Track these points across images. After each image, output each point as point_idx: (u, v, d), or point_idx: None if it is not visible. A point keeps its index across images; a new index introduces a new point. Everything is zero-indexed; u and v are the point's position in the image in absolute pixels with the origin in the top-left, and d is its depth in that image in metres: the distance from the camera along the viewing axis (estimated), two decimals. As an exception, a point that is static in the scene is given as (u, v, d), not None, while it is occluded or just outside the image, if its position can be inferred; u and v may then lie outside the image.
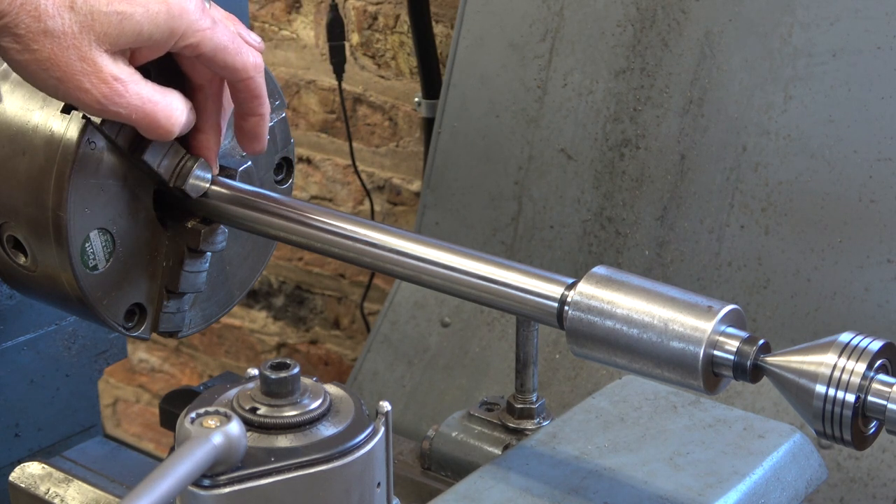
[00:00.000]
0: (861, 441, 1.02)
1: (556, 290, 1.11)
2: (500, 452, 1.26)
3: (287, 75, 2.75)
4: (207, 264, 1.31)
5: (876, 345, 1.01)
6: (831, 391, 1.00)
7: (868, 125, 1.82)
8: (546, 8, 2.09)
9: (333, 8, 2.50)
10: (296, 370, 0.96)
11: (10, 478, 1.37)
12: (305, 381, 0.97)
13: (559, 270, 1.16)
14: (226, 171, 1.29)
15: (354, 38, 2.62)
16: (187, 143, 1.24)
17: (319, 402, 0.96)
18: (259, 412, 0.95)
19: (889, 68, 1.81)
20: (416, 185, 2.62)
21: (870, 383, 1.00)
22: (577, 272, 1.87)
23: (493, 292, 1.15)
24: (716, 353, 1.04)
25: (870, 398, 1.00)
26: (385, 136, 2.66)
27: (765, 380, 1.04)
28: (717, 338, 1.04)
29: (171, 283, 1.28)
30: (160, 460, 0.95)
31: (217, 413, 0.91)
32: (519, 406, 1.29)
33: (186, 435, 0.90)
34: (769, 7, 1.90)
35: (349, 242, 1.21)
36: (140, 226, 1.26)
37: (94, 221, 1.22)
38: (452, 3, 2.42)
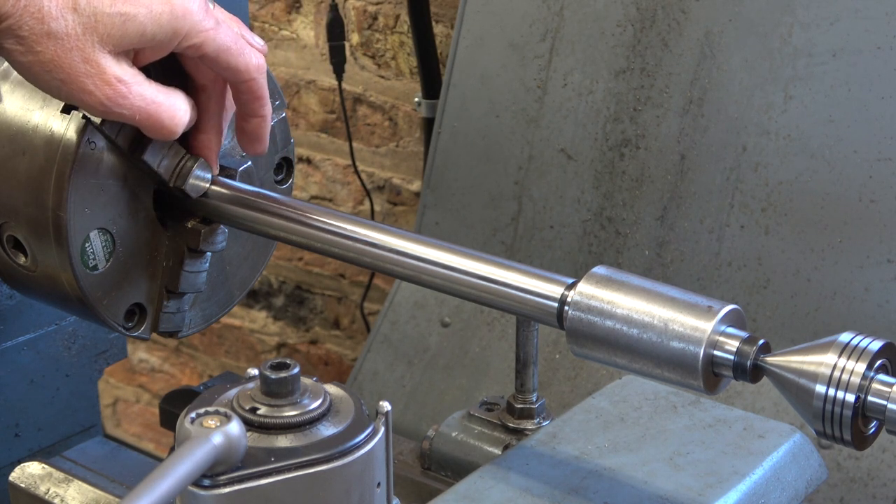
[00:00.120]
0: (861, 441, 1.02)
1: (556, 290, 1.11)
2: (500, 452, 1.26)
3: (287, 75, 2.75)
4: (207, 264, 1.31)
5: (876, 345, 1.01)
6: (831, 391, 1.00)
7: (868, 125, 1.82)
8: (546, 8, 2.09)
9: (333, 8, 2.50)
10: (296, 370, 0.96)
11: (10, 478, 1.37)
12: (305, 381, 0.97)
13: (559, 270, 1.16)
14: (226, 171, 1.29)
15: (354, 38, 2.62)
16: (188, 143, 1.24)
17: (319, 402, 0.96)
18: (259, 412, 0.95)
19: (889, 68, 1.81)
20: (416, 185, 2.62)
21: (870, 383, 1.00)
22: (577, 272, 1.87)
23: (493, 292, 1.15)
24: (716, 353, 1.04)
25: (870, 398, 1.00)
26: (385, 136, 2.66)
27: (765, 380, 1.04)
28: (717, 338, 1.04)
29: (171, 283, 1.28)
30: (160, 460, 0.95)
31: (217, 413, 0.91)
32: (519, 406, 1.29)
33: (186, 435, 0.90)
34: (769, 7, 1.90)
35: (349, 242, 1.21)
36: (140, 226, 1.26)
37: (94, 221, 1.22)
38: (452, 3, 2.42)
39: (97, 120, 1.18)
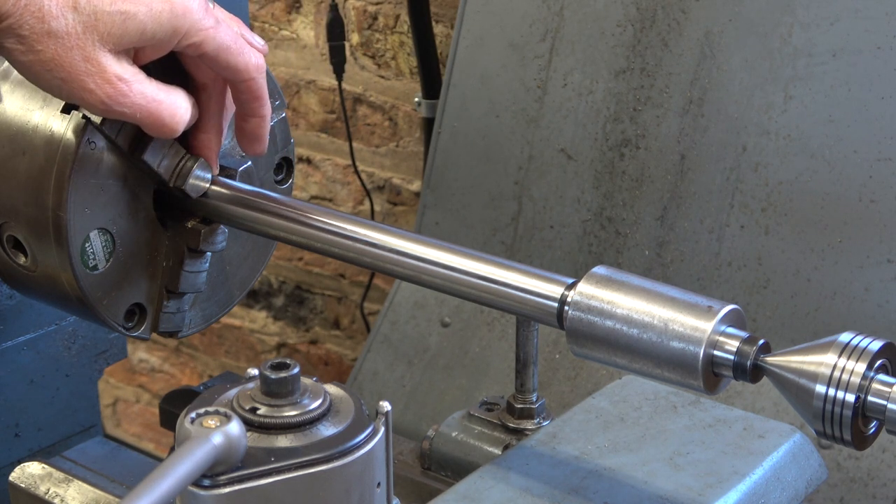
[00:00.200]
0: (861, 441, 1.02)
1: (556, 290, 1.11)
2: (500, 452, 1.26)
3: (287, 75, 2.75)
4: (207, 264, 1.31)
5: (876, 345, 1.01)
6: (831, 391, 1.00)
7: (868, 125, 1.82)
8: (546, 8, 2.09)
9: (333, 8, 2.50)
10: (296, 370, 0.96)
11: (10, 478, 1.37)
12: (305, 381, 0.97)
13: (559, 270, 1.16)
14: (226, 171, 1.29)
15: (354, 38, 2.62)
16: (188, 142, 1.24)
17: (319, 402, 0.96)
18: (259, 412, 0.95)
19: (889, 68, 1.81)
20: (416, 185, 2.62)
21: (870, 383, 1.00)
22: (577, 272, 1.87)
23: (493, 292, 1.15)
24: (716, 353, 1.04)
25: (870, 398, 1.00)
26: (385, 136, 2.66)
27: (765, 380, 1.04)
28: (717, 338, 1.04)
29: (171, 283, 1.28)
30: (160, 460, 0.95)
31: (217, 413, 0.91)
32: (519, 406, 1.29)
33: (186, 435, 0.90)
34: (769, 7, 1.90)
35: (349, 242, 1.21)
36: (140, 226, 1.26)
37: (94, 221, 1.22)
38: (452, 3, 2.42)
39: (97, 120, 1.18)
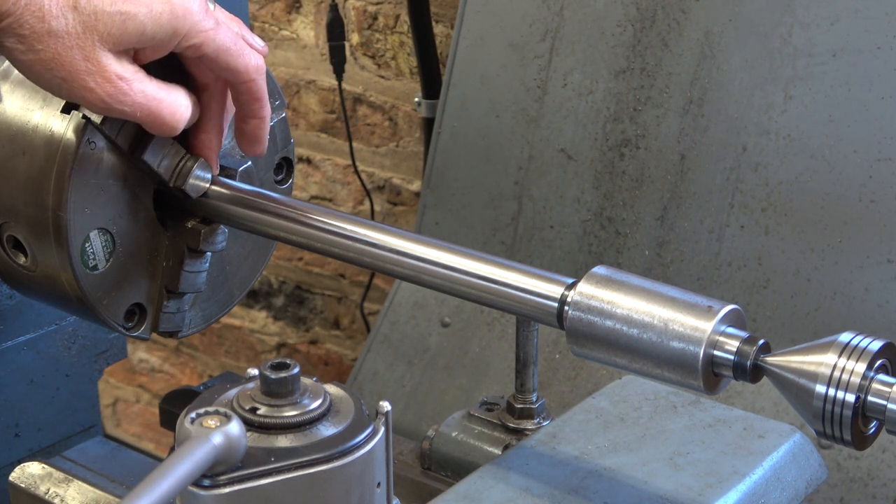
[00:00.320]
0: (861, 441, 1.02)
1: (556, 290, 1.11)
2: (500, 452, 1.26)
3: (287, 75, 2.75)
4: (207, 264, 1.31)
5: (876, 345, 1.01)
6: (831, 391, 1.00)
7: (868, 125, 1.82)
8: (546, 8, 2.09)
9: (333, 8, 2.50)
10: (296, 370, 0.96)
11: (10, 478, 1.37)
12: (305, 381, 0.97)
13: (559, 270, 1.16)
14: (226, 171, 1.29)
15: (354, 38, 2.62)
16: (188, 142, 1.24)
17: (319, 402, 0.96)
18: (259, 412, 0.95)
19: (889, 68, 1.81)
20: (416, 185, 2.62)
21: (870, 383, 1.00)
22: (577, 272, 1.87)
23: (493, 292, 1.15)
24: (716, 353, 1.04)
25: (870, 398, 1.00)
26: (385, 136, 2.66)
27: (765, 380, 1.04)
28: (717, 338, 1.04)
29: (171, 283, 1.28)
30: (160, 460, 0.95)
31: (217, 413, 0.91)
32: (519, 406, 1.29)
33: (186, 435, 0.90)
34: (769, 7, 1.89)
35: (349, 242, 1.21)
36: (140, 226, 1.26)
37: (94, 221, 1.22)
38: (452, 3, 2.42)
39: (97, 120, 1.18)
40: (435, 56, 2.43)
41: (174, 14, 1.11)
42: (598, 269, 1.10)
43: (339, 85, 2.55)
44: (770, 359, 1.03)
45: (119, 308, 1.26)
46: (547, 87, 2.09)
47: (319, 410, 0.96)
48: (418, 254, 1.18)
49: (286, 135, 1.36)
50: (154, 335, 1.31)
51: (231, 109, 1.25)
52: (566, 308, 1.09)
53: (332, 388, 0.99)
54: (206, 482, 0.90)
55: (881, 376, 1.00)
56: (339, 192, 2.77)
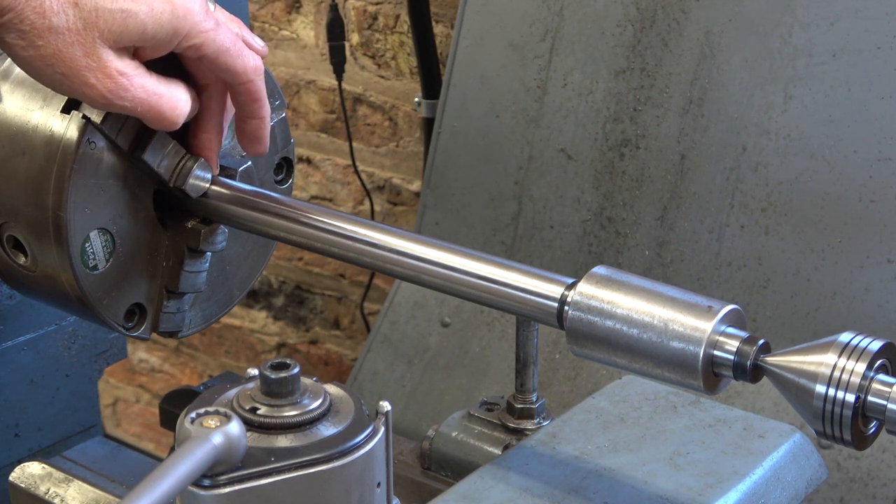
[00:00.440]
0: (861, 441, 1.02)
1: (556, 290, 1.11)
2: (500, 452, 1.26)
3: (287, 75, 2.75)
4: (207, 264, 1.31)
5: (876, 345, 1.01)
6: (831, 391, 1.00)
7: (868, 125, 1.82)
8: (546, 8, 2.09)
9: (333, 8, 2.50)
10: (296, 370, 0.96)
11: (10, 478, 1.37)
12: (305, 381, 0.97)
13: (559, 270, 1.16)
14: (226, 171, 1.29)
15: (354, 38, 2.62)
16: (188, 142, 1.24)
17: (319, 402, 0.96)
18: (259, 412, 0.95)
19: (889, 68, 1.81)
20: (416, 185, 2.62)
21: (870, 383, 1.00)
22: (577, 272, 1.87)
23: (493, 292, 1.15)
24: (716, 353, 1.04)
25: (870, 398, 1.00)
26: (385, 136, 2.66)
27: (765, 380, 1.04)
28: (717, 338, 1.04)
29: (171, 283, 1.28)
30: (160, 460, 0.95)
31: (217, 413, 0.91)
32: (519, 406, 1.29)
33: (186, 435, 0.90)
34: (769, 7, 1.89)
35: (349, 242, 1.21)
36: (140, 226, 1.26)
37: (94, 221, 1.22)
38: (452, 3, 2.42)
39: (97, 119, 1.18)
40: (435, 56, 2.43)
41: (175, 14, 1.11)
42: (598, 269, 1.10)
43: (339, 85, 2.55)
44: (770, 359, 1.03)
45: (119, 308, 1.26)
46: (547, 87, 2.09)
47: (319, 410, 0.96)
48: (418, 254, 1.18)
49: (286, 135, 1.36)
50: (154, 335, 1.31)
51: (231, 109, 1.25)
52: (566, 308, 1.09)
53: (332, 388, 0.99)
54: (206, 482, 0.90)
55: (881, 376, 1.00)
56: (339, 192, 2.77)
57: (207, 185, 1.26)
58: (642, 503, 1.12)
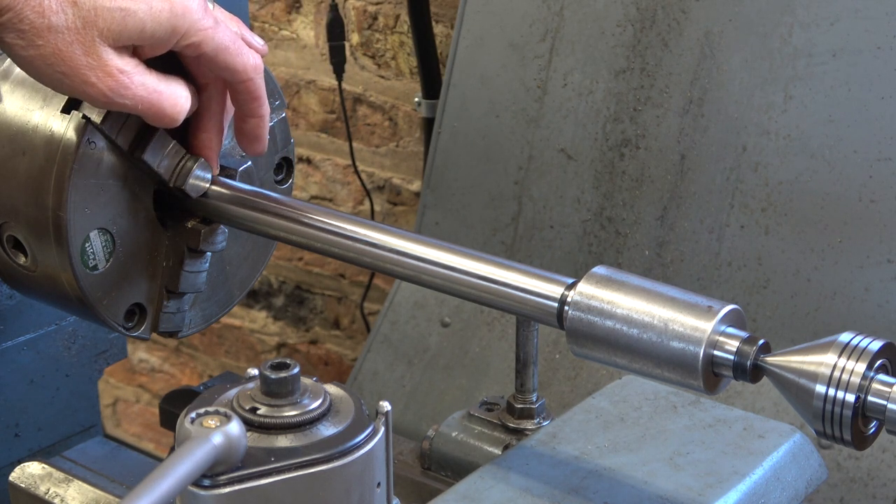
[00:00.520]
0: (861, 441, 1.02)
1: (556, 290, 1.11)
2: (500, 452, 1.26)
3: (287, 75, 2.75)
4: (207, 264, 1.30)
5: (876, 345, 1.01)
6: (831, 391, 1.00)
7: (868, 125, 1.82)
8: (546, 8, 2.09)
9: (333, 8, 2.50)
10: (296, 370, 0.96)
11: (10, 478, 1.37)
12: (305, 381, 0.97)
13: (559, 270, 1.16)
14: (226, 171, 1.29)
15: (354, 38, 2.62)
16: (188, 142, 1.24)
17: (319, 402, 0.96)
18: (259, 412, 0.95)
19: (889, 68, 1.81)
20: (416, 185, 2.62)
21: (870, 383, 1.00)
22: (577, 272, 1.87)
23: (493, 292, 1.14)
24: (716, 353, 1.04)
25: (870, 398, 1.00)
26: (385, 136, 2.66)
27: (765, 380, 1.04)
28: (717, 338, 1.04)
29: (171, 283, 1.28)
30: (160, 460, 0.95)
31: (217, 413, 0.91)
32: (519, 406, 1.29)
33: (186, 435, 0.90)
34: (769, 7, 1.89)
35: (349, 242, 1.21)
36: (140, 226, 1.26)
37: (94, 221, 1.22)
38: (452, 3, 2.42)
39: (97, 119, 1.18)
40: (435, 56, 2.43)
41: (173, 12, 1.11)
42: (598, 269, 1.10)
43: (339, 85, 2.55)
44: (770, 359, 1.03)
45: (119, 308, 1.26)
46: (547, 87, 2.09)
47: (319, 410, 0.96)
48: (418, 254, 1.18)
49: (286, 135, 1.36)
50: (154, 335, 1.31)
51: (231, 109, 1.25)
52: (566, 308, 1.09)
53: (332, 388, 0.99)
54: (206, 482, 0.90)
55: (881, 376, 1.00)
56: (339, 192, 2.77)
57: (207, 185, 1.26)
58: (642, 503, 1.12)
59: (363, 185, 2.65)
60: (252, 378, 0.98)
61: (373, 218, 2.65)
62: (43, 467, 1.37)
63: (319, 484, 0.93)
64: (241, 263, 1.36)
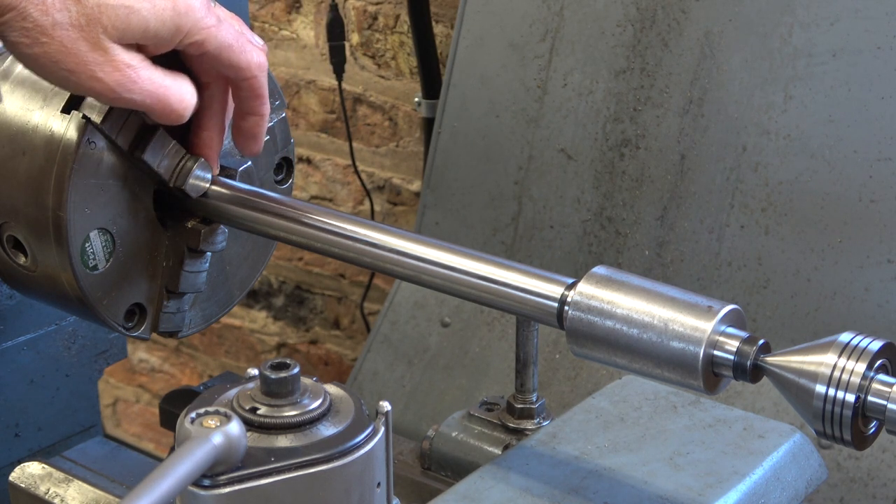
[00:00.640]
0: (861, 441, 1.02)
1: (556, 290, 1.11)
2: (500, 452, 1.26)
3: (287, 75, 2.75)
4: (207, 264, 1.30)
5: (876, 345, 1.01)
6: (831, 391, 1.00)
7: (868, 125, 1.82)
8: (546, 8, 2.09)
9: (333, 8, 2.50)
10: (296, 370, 0.96)
11: (10, 478, 1.37)
12: (305, 381, 0.97)
13: (559, 270, 1.16)
14: (226, 171, 1.29)
15: (354, 38, 2.62)
16: (188, 142, 1.24)
17: (319, 402, 0.96)
18: (259, 412, 0.95)
19: (889, 68, 1.81)
20: (416, 185, 2.62)
21: (870, 383, 1.00)
22: (577, 272, 1.87)
23: (493, 292, 1.14)
24: (716, 353, 1.04)
25: (870, 398, 1.00)
26: (385, 136, 2.66)
27: (765, 380, 1.04)
28: (717, 338, 1.04)
29: (171, 283, 1.28)
30: (160, 460, 0.95)
31: (217, 413, 0.91)
32: (519, 406, 1.29)
33: (186, 435, 0.90)
34: (769, 7, 1.90)
35: (349, 242, 1.21)
36: (140, 226, 1.26)
37: (94, 221, 1.22)
38: (452, 3, 2.42)
39: (97, 119, 1.18)
40: (435, 56, 2.43)
41: (177, 11, 1.11)
42: (598, 269, 1.10)
43: (339, 85, 2.55)
44: (770, 359, 1.03)
45: (119, 308, 1.26)
46: (547, 87, 2.09)
47: (319, 410, 0.96)
48: (418, 254, 1.18)
49: (286, 135, 1.35)
50: (154, 335, 1.31)
51: (231, 108, 1.25)
52: (566, 308, 1.09)
53: (332, 388, 0.99)
54: (206, 482, 0.90)
55: (881, 376, 1.00)
56: (339, 192, 2.77)
57: (207, 185, 1.26)
58: (642, 503, 1.12)
59: (363, 185, 2.65)
60: (252, 378, 0.98)
61: (373, 218, 2.65)
62: (43, 467, 1.37)
63: (319, 484, 0.93)
64: (241, 263, 1.36)
